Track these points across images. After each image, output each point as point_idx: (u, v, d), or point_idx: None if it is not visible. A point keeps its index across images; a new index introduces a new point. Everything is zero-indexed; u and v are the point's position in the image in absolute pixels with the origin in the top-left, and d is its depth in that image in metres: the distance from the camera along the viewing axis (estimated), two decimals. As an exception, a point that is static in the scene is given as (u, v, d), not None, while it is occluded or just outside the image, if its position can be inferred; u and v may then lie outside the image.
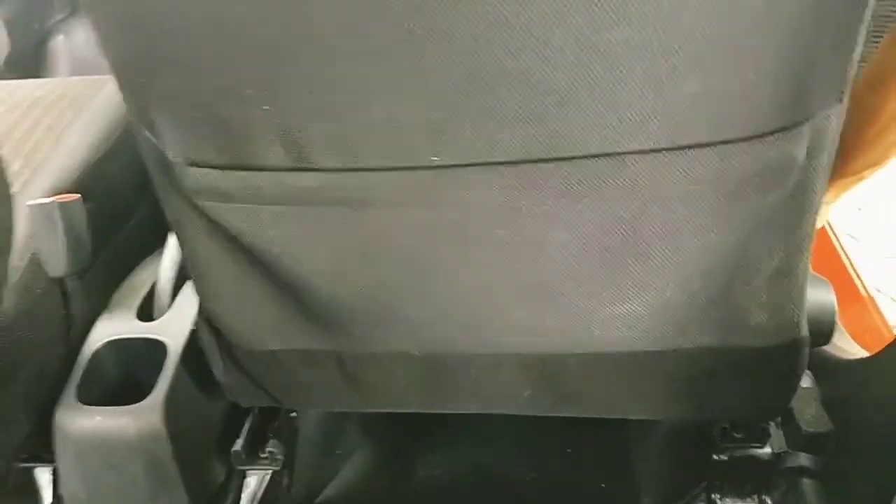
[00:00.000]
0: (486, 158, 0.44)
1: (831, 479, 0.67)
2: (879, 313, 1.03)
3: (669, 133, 0.42)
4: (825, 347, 0.67)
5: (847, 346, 0.74)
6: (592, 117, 0.41)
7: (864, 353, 0.71)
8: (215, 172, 0.47)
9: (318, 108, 0.43)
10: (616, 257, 0.49)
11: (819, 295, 0.61)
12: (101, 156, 0.75)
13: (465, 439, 0.91)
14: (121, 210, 0.79)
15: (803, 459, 0.68)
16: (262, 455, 0.78)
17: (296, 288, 0.55)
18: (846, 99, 0.43)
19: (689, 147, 0.43)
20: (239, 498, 0.82)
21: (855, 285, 1.08)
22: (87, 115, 0.80)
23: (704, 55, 0.39)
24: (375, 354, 0.62)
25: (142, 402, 0.66)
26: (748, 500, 0.74)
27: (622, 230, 0.48)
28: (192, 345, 0.69)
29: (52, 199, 0.66)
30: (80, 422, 0.66)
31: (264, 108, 0.43)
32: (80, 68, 1.42)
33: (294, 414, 0.83)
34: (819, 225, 0.53)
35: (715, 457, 0.72)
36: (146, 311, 0.74)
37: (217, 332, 0.63)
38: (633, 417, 0.69)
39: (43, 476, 0.77)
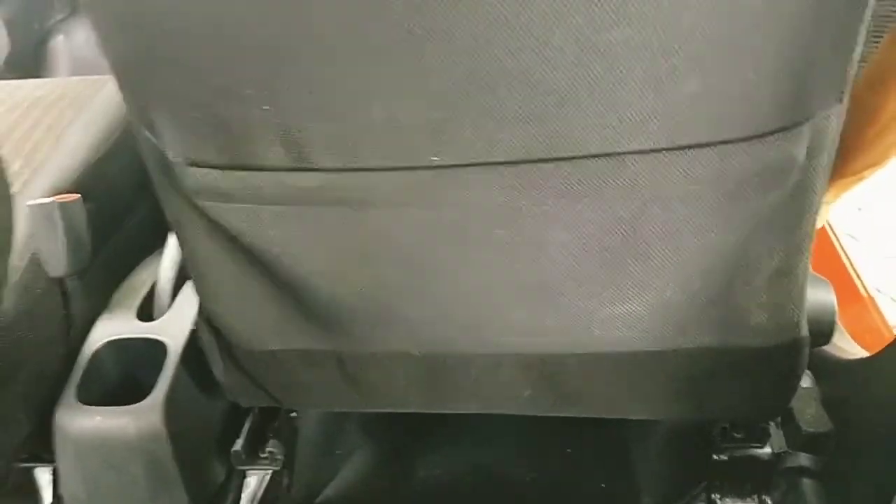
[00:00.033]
0: (486, 158, 0.44)
1: (831, 479, 0.67)
2: (879, 313, 1.02)
3: (669, 133, 0.42)
4: (825, 347, 0.67)
5: (847, 346, 0.74)
6: (592, 117, 0.41)
7: (864, 353, 0.71)
8: (215, 172, 0.47)
9: (318, 108, 0.43)
10: (616, 257, 0.49)
11: (819, 295, 0.61)
12: (101, 156, 0.75)
13: (465, 439, 0.91)
14: (121, 210, 0.79)
15: (803, 459, 0.68)
16: (262, 455, 0.78)
17: (296, 288, 0.55)
18: (846, 99, 0.43)
19: (689, 147, 0.43)
20: (239, 498, 0.82)
21: (855, 285, 1.08)
22: (87, 115, 0.80)
23: (704, 55, 0.39)
24: (375, 354, 0.62)
25: (142, 403, 0.66)
26: (748, 500, 0.73)
27: (622, 230, 0.48)
28: (192, 345, 0.69)
29: (52, 199, 0.66)
30: (80, 422, 0.66)
31: (264, 107, 0.43)
32: (80, 68, 1.42)
33: (294, 414, 0.83)
34: (819, 225, 0.53)
35: (715, 457, 0.72)
36: (146, 311, 0.74)
37: (217, 332, 0.63)
38: (633, 417, 0.69)
39: (43, 476, 0.77)
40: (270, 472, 0.82)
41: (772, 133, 0.42)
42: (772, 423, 0.70)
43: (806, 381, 0.69)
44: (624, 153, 0.43)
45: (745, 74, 0.40)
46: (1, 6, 1.35)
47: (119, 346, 0.71)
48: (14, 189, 0.58)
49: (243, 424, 0.77)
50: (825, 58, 0.41)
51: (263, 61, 0.41)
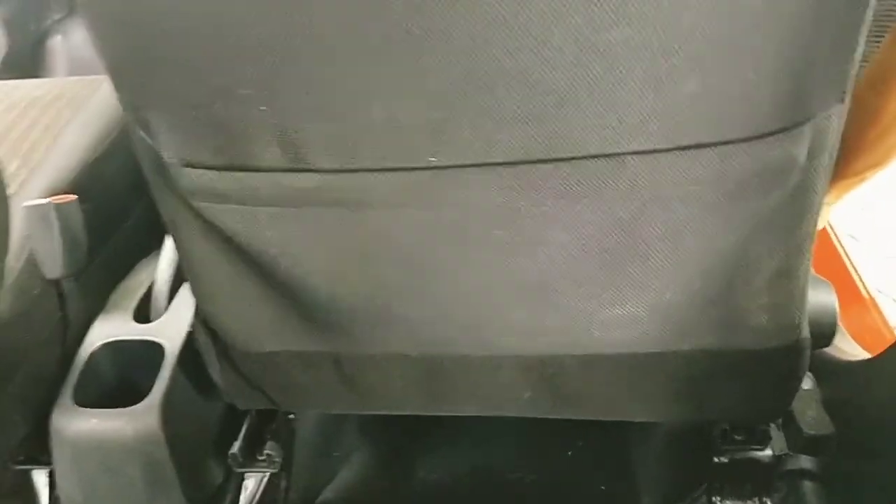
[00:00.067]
0: (485, 159, 0.44)
1: (833, 481, 0.67)
2: (881, 314, 1.02)
3: (669, 133, 0.42)
4: (826, 349, 0.66)
5: (848, 348, 0.74)
6: (592, 117, 0.41)
7: (865, 355, 0.71)
8: (211, 173, 0.47)
9: (315, 109, 0.43)
10: (616, 258, 0.49)
11: (820, 296, 0.61)
12: (98, 156, 0.75)
13: (464, 441, 0.91)
14: (118, 211, 0.79)
15: (804, 462, 0.68)
16: (260, 457, 0.78)
17: (293, 289, 0.55)
18: (847, 99, 0.43)
19: (689, 147, 0.42)
20: (237, 500, 0.82)
21: (856, 286, 1.07)
22: (85, 115, 0.80)
23: (704, 55, 0.38)
24: (373, 356, 0.61)
25: (139, 405, 0.66)
26: (749, 502, 0.73)
27: (622, 231, 0.47)
28: (190, 347, 0.69)
29: (47, 199, 0.66)
30: (77, 424, 0.66)
31: (261, 108, 0.43)
32: (77, 68, 1.42)
33: (292, 416, 0.83)
34: (820, 226, 0.52)
35: (715, 459, 0.72)
36: (143, 313, 0.74)
37: (214, 333, 0.63)
38: (634, 419, 0.69)
39: (40, 478, 0.77)
40: (268, 474, 0.82)
41: (772, 133, 0.42)
42: (773, 425, 0.70)
43: (807, 383, 0.69)
44: (624, 153, 0.43)
45: (745, 74, 0.40)
46: (-1, 6, 1.35)
47: (116, 348, 0.71)
48: (11, 190, 0.58)
49: (241, 426, 0.77)
50: (826, 58, 0.41)
51: (260, 61, 0.41)
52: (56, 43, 1.43)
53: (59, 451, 0.67)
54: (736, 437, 0.71)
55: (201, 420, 0.74)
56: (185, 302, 0.73)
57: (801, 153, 0.44)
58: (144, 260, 0.80)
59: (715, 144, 0.42)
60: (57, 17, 1.44)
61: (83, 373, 0.68)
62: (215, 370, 0.66)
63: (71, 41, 1.44)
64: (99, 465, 0.67)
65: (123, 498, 0.68)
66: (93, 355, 0.70)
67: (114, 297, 0.76)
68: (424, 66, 0.40)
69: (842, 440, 0.64)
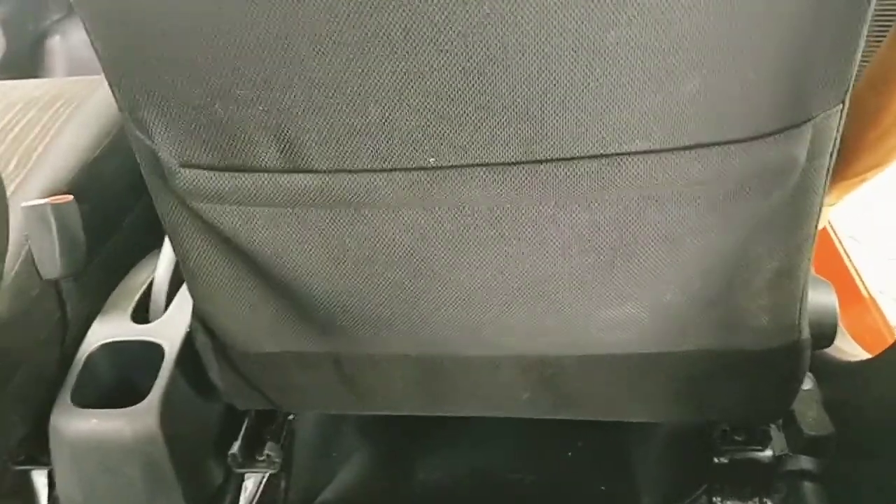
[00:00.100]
0: (484, 159, 0.44)
1: (833, 482, 0.67)
2: (881, 315, 1.02)
3: (669, 133, 0.42)
4: (826, 349, 0.66)
5: (848, 348, 0.74)
6: (592, 117, 0.41)
7: (865, 355, 0.70)
8: (208, 174, 0.47)
9: (313, 109, 0.43)
10: (615, 258, 0.49)
11: (820, 297, 0.61)
12: (96, 156, 0.75)
13: (463, 442, 0.91)
14: (116, 211, 0.79)
15: (804, 462, 0.68)
16: (260, 458, 0.78)
17: (291, 289, 0.55)
18: (848, 99, 0.43)
19: (689, 147, 0.42)
20: (236, 501, 0.82)
21: (856, 287, 1.07)
22: (83, 115, 0.80)
23: (704, 55, 0.38)
24: (372, 356, 0.61)
25: (138, 405, 0.66)
26: (749, 503, 0.73)
27: (621, 231, 0.47)
28: (189, 347, 0.69)
29: (45, 200, 0.66)
30: (76, 424, 0.66)
31: (259, 108, 0.43)
32: (76, 68, 1.42)
33: (291, 416, 0.83)
34: (820, 226, 0.52)
35: (715, 459, 0.72)
36: (142, 313, 0.74)
37: (212, 334, 0.63)
38: (633, 419, 0.68)
39: (39, 479, 0.77)
40: (268, 474, 0.82)
41: (772, 133, 0.42)
42: (773, 426, 0.70)
43: (807, 384, 0.68)
44: (623, 153, 0.43)
45: (745, 74, 0.40)
46: (-2, 6, 1.35)
47: (115, 349, 0.71)
48: (9, 190, 0.58)
49: (240, 427, 0.77)
50: (825, 58, 0.40)
51: (258, 61, 0.41)
52: (55, 43, 1.44)
53: (58, 452, 0.67)
54: (736, 437, 0.71)
55: (200, 420, 0.74)
56: (184, 302, 0.73)
57: (802, 153, 0.44)
58: (143, 260, 0.80)
59: (715, 144, 0.42)
60: (56, 17, 1.44)
61: (82, 373, 0.68)
62: (214, 371, 0.66)
63: (69, 41, 1.44)
64: (98, 465, 0.67)
65: (123, 498, 0.68)
66: (92, 356, 0.70)
67: (113, 297, 0.76)
68: (423, 67, 0.39)
69: (842, 440, 0.64)
